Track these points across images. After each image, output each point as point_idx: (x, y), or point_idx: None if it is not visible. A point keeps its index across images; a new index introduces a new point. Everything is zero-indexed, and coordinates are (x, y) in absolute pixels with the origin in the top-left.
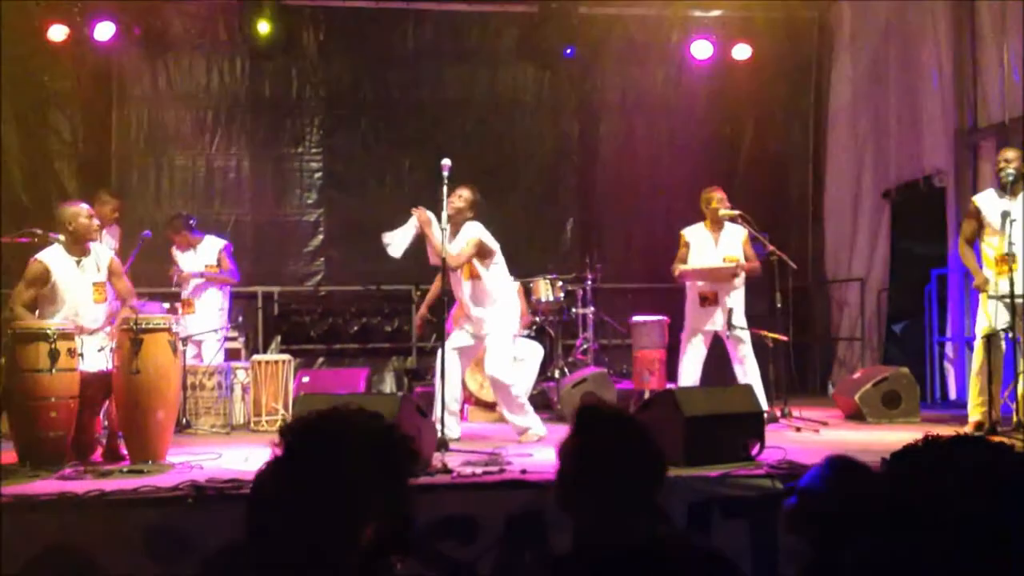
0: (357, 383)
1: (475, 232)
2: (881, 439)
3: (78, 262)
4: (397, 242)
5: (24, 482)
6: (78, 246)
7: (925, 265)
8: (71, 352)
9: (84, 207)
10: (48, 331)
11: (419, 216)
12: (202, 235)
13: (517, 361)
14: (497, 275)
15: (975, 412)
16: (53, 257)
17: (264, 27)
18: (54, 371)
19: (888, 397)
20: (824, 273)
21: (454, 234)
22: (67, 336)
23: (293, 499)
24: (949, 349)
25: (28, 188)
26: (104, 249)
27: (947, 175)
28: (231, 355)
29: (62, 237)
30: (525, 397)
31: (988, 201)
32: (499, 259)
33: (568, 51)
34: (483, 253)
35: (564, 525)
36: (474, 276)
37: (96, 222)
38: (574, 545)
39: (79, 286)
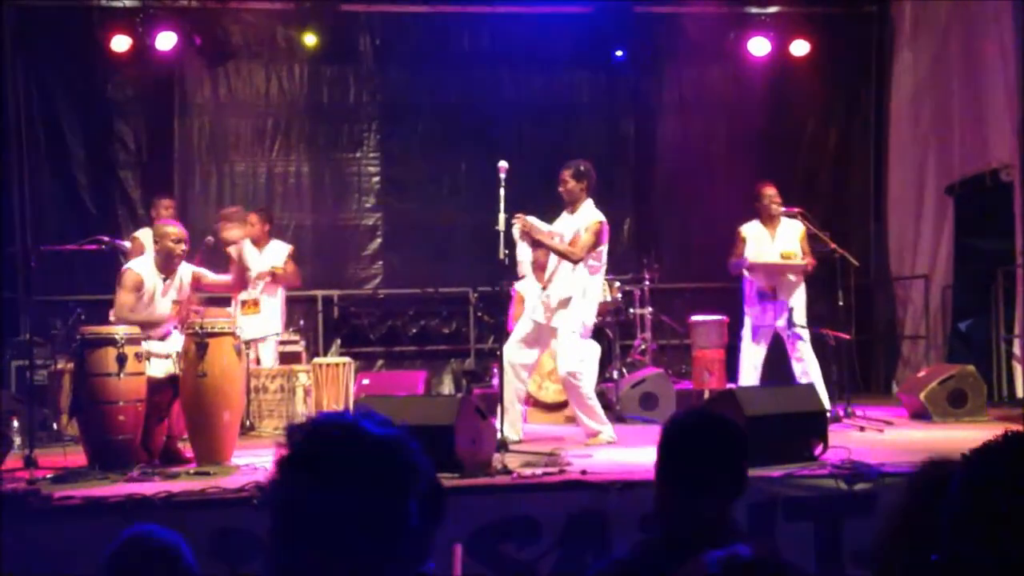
0: (416, 385)
1: (596, 215)
2: (948, 438)
3: (164, 279)
4: (522, 259)
5: (94, 485)
6: (164, 264)
7: (991, 261)
8: (138, 356)
9: (174, 230)
10: (116, 336)
11: (521, 227)
12: (270, 238)
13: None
14: (594, 267)
15: None
16: (145, 270)
17: (311, 39)
18: (122, 375)
19: (954, 396)
20: (887, 270)
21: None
22: (134, 341)
23: (305, 508)
24: (1016, 346)
25: (94, 196)
26: (185, 268)
27: (1013, 169)
28: (291, 358)
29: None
30: (595, 399)
31: None
32: (602, 254)
33: (620, 55)
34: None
35: (625, 526)
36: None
37: (183, 248)
38: (664, 536)
39: (161, 302)
